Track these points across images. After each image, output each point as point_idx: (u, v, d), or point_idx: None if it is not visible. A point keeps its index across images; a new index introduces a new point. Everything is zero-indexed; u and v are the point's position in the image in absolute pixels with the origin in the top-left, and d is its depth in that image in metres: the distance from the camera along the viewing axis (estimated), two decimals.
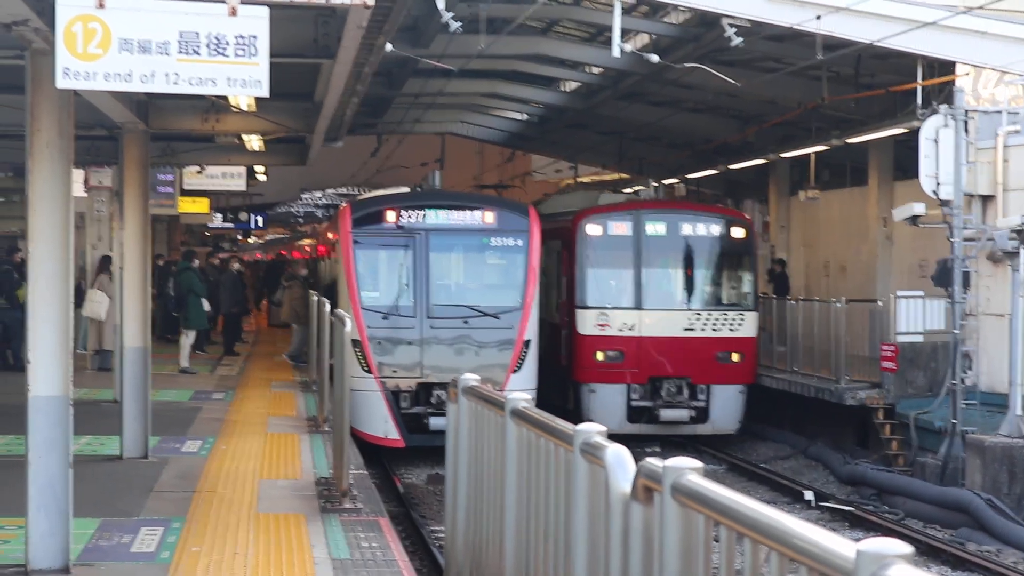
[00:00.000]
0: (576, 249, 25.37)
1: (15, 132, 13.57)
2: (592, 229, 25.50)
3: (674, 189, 40.71)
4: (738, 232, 26.05)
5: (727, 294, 26.07)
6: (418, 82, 32.92)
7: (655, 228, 25.53)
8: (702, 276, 25.93)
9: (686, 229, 25.72)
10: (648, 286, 25.36)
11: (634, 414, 25.14)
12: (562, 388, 26.07)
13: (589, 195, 31.16)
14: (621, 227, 25.52)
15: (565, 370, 25.96)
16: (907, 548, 3.03)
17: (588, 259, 25.33)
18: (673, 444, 25.05)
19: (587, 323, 25.15)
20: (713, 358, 25.23)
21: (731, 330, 25.43)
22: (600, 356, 25.09)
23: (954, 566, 17.08)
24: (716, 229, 25.92)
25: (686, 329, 25.28)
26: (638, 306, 25.25)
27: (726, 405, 25.35)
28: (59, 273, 9.69)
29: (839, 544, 3.21)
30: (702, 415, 25.26)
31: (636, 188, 28.23)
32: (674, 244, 25.62)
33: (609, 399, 25.05)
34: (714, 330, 25.35)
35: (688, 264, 25.75)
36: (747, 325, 25.69)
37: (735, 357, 25.38)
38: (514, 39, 28.75)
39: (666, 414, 25.01)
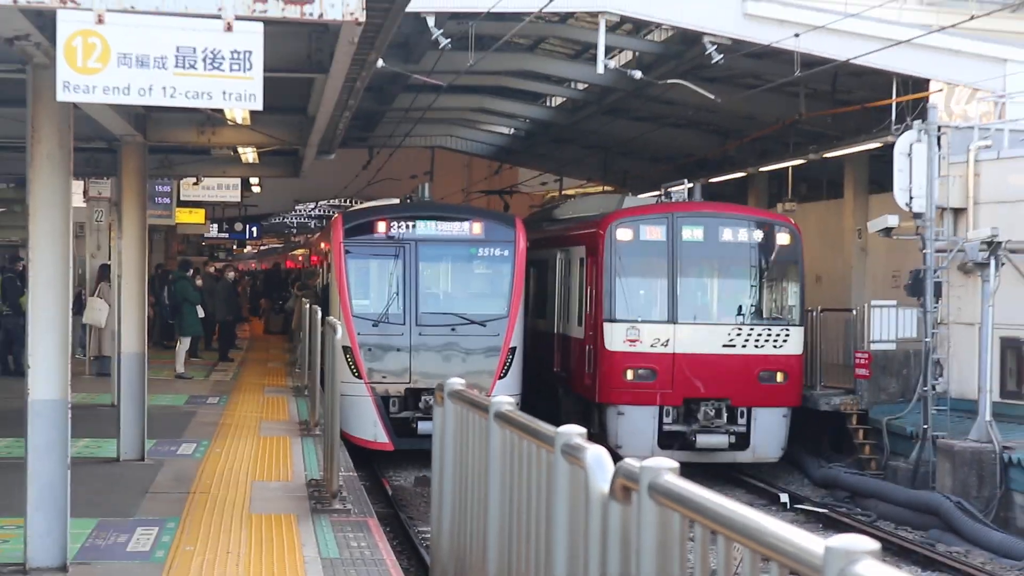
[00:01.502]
0: (603, 256, 22.48)
1: (16, 144, 13.56)
2: (622, 234, 22.55)
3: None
4: (783, 238, 22.93)
5: (771, 307, 22.97)
6: (408, 97, 32.94)
7: (692, 233, 22.57)
8: (743, 287, 23.02)
9: (726, 234, 22.70)
10: (684, 297, 22.43)
11: (666, 439, 22.12)
12: (585, 410, 23.28)
13: (609, 199, 27.97)
14: (654, 231, 22.55)
15: (589, 390, 23.00)
16: (874, 545, 3.05)
17: (617, 267, 22.41)
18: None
19: (615, 338, 22.17)
20: (755, 378, 22.26)
21: (775, 347, 22.41)
22: (630, 375, 22.09)
23: (924, 566, 17.15)
24: (759, 234, 22.82)
25: (725, 345, 22.27)
26: (672, 319, 22.27)
27: (768, 430, 22.37)
28: (58, 281, 9.69)
29: (809, 541, 3.23)
30: (742, 441, 22.27)
31: (667, 188, 25.42)
32: (713, 251, 22.72)
33: (639, 422, 22.09)
34: (756, 347, 22.34)
35: (728, 273, 22.98)
36: (792, 341, 22.62)
37: (779, 377, 22.40)
38: (502, 55, 28.79)
39: (703, 440, 22.03)
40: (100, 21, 8.20)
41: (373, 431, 22.09)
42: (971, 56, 25.16)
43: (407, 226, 22.86)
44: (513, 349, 22.49)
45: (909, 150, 22.96)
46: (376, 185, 46.46)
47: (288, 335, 36.97)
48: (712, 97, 27.36)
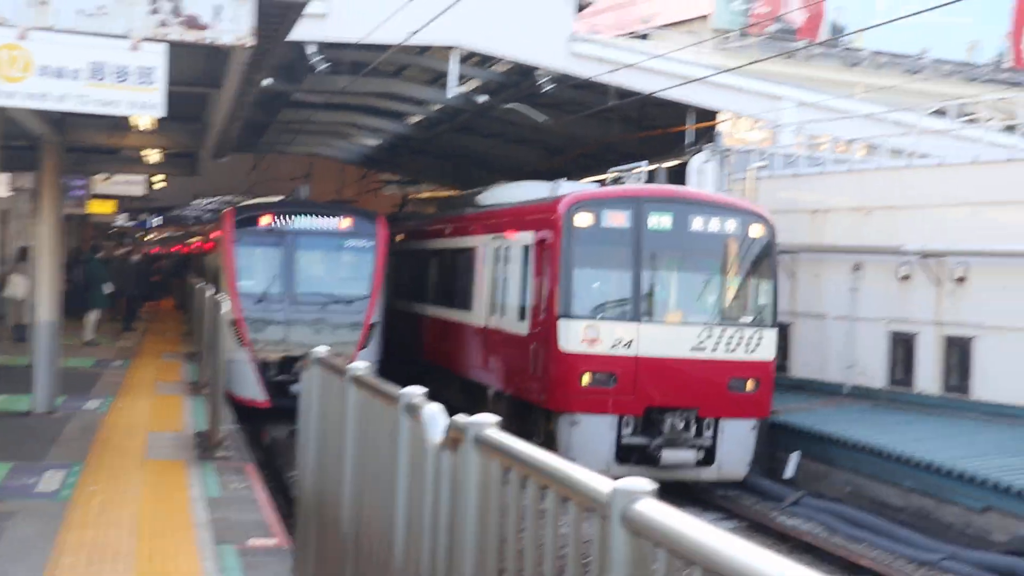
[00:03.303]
0: (560, 244, 17.09)
1: None
2: (581, 219, 17.09)
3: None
4: (757, 230, 17.71)
5: (744, 307, 17.74)
6: (291, 111, 32.57)
7: (659, 221, 17.27)
8: (715, 284, 17.71)
9: (697, 224, 17.37)
10: (649, 294, 17.26)
11: (624, 453, 16.97)
12: (526, 416, 17.91)
13: (539, 185, 21.63)
14: (618, 218, 17.19)
15: (535, 395, 17.63)
16: (653, 486, 3.10)
17: (575, 256, 17.01)
18: None
19: (571, 337, 16.77)
20: (725, 386, 17.19)
21: (748, 351, 17.29)
22: (586, 379, 16.74)
23: (703, 507, 17.42)
24: (733, 225, 17.55)
25: (694, 349, 17.07)
26: (636, 318, 16.99)
27: (736, 444, 17.40)
28: None
29: (600, 483, 3.28)
30: (708, 456, 17.28)
31: (620, 171, 20.65)
32: (682, 242, 17.38)
33: (594, 433, 16.79)
34: (728, 351, 17.19)
35: (699, 268, 17.59)
36: (765, 346, 17.47)
37: (749, 385, 17.31)
38: (370, 80, 28.61)
39: (669, 456, 16.80)
40: (23, 37, 8.01)
41: (254, 391, 21.86)
42: (752, 93, 25.72)
43: (287, 219, 22.71)
44: (373, 324, 22.42)
45: (701, 168, 23.39)
46: (262, 184, 45.84)
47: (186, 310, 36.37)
48: (543, 119, 27.50)
